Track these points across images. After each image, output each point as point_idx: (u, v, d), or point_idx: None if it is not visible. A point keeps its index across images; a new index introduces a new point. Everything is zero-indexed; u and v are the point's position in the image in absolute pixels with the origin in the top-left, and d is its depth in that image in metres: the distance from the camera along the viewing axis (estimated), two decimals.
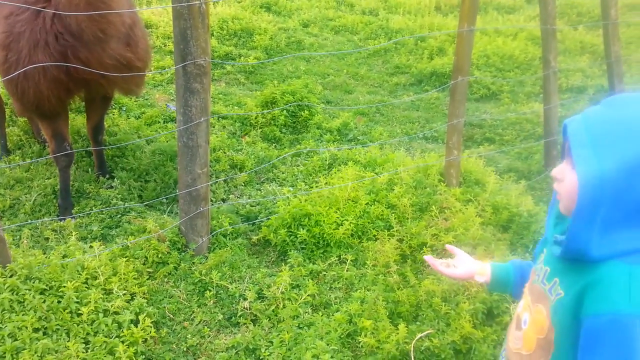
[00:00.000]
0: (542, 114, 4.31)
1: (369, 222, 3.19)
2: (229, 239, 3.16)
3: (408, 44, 6.77)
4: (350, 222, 3.12)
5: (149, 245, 2.88)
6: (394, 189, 3.42)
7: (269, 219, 3.29)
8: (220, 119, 4.84)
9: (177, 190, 3.04)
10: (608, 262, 1.06)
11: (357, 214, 3.22)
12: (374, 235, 3.13)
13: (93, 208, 3.40)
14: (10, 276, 2.34)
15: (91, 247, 2.78)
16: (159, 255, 2.88)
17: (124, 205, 3.39)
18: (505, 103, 5.35)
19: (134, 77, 3.19)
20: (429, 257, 1.62)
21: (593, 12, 8.07)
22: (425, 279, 2.71)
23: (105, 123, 3.83)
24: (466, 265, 1.55)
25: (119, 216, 3.37)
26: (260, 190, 3.85)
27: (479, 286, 2.54)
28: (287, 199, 3.38)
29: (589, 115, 1.10)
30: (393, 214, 3.23)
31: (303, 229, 3.09)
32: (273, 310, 2.57)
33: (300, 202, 3.26)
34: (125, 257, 2.77)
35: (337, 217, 3.14)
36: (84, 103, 3.55)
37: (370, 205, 3.28)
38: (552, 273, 1.18)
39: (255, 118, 4.74)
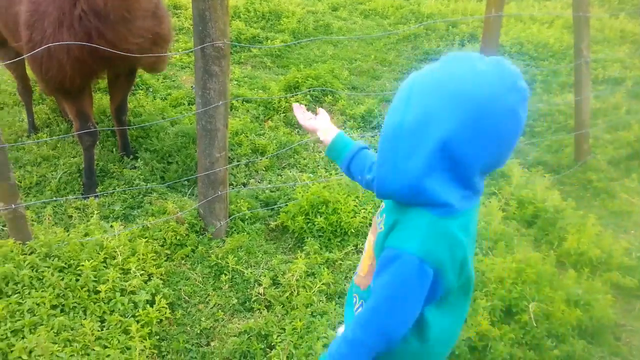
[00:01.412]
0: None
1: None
2: (247, 223, 3.16)
3: (439, 29, 6.59)
4: (369, 212, 3.08)
5: (168, 227, 2.90)
6: None
7: (287, 205, 3.28)
8: (244, 102, 4.83)
9: (197, 173, 3.05)
10: (417, 207, 1.13)
11: (376, 203, 3.17)
12: None
13: (116, 188, 3.44)
14: (30, 253, 2.39)
15: (111, 226, 2.82)
16: (177, 237, 2.90)
17: (147, 186, 3.42)
18: (538, 93, 5.17)
19: (157, 52, 3.18)
20: (296, 105, 1.72)
21: (636, 0, 7.70)
22: None
23: (129, 104, 3.87)
24: (319, 122, 1.63)
25: (141, 196, 3.40)
26: (280, 175, 3.83)
27: (497, 283, 2.47)
28: (306, 185, 3.35)
29: (419, 71, 1.13)
30: None
31: (321, 216, 3.06)
32: (287, 297, 2.57)
33: (319, 189, 3.22)
34: (145, 237, 2.80)
35: (355, 206, 3.10)
36: (107, 82, 3.56)
37: None
38: (384, 209, 1.27)
39: (279, 102, 4.71)
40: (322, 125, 1.62)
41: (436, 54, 6.12)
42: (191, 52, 5.49)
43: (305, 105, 4.62)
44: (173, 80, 5.23)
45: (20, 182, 3.42)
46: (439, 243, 1.11)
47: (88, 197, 3.34)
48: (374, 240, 1.27)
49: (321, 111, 1.69)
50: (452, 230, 1.11)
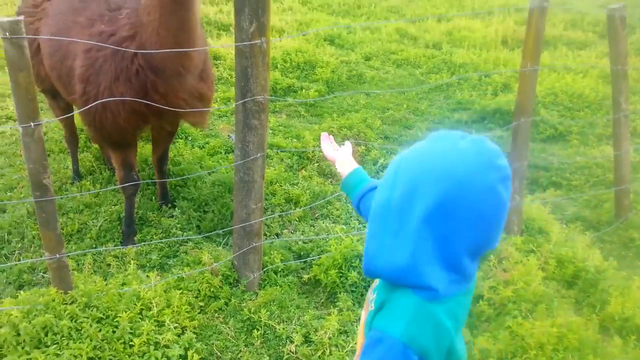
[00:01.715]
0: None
1: None
2: (280, 275, 3.17)
3: (471, 79, 6.65)
4: None
5: (203, 278, 2.94)
6: None
7: (320, 257, 3.28)
8: (278, 151, 4.92)
9: (232, 224, 3.10)
10: (405, 288, 1.10)
11: None
12: None
13: (154, 237, 3.52)
14: (71, 303, 2.44)
15: (148, 276, 2.87)
16: (211, 289, 2.92)
17: (182, 237, 3.48)
18: (574, 145, 5.10)
19: (200, 107, 3.30)
20: (324, 133, 1.78)
21: None
22: (480, 335, 2.59)
23: (170, 153, 3.99)
24: (340, 154, 1.66)
25: (177, 246, 3.47)
26: (313, 226, 3.85)
27: (538, 349, 2.38)
28: (339, 238, 3.35)
29: (407, 149, 1.15)
30: None
31: (354, 270, 3.05)
32: (319, 357, 2.53)
33: (353, 242, 3.22)
34: (179, 288, 2.83)
35: None
36: (151, 134, 3.70)
37: None
38: (377, 286, 1.23)
39: (312, 152, 4.78)
40: (341, 157, 1.65)
41: (469, 104, 6.16)
42: (230, 103, 5.68)
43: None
44: (211, 129, 5.39)
45: (63, 229, 3.54)
46: (424, 328, 1.08)
47: (126, 246, 3.43)
48: (365, 318, 1.23)
49: (347, 143, 1.72)
50: (439, 315, 1.08)
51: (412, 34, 8.66)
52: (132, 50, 2.79)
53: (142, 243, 3.43)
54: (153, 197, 3.96)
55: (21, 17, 1.90)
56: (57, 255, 2.29)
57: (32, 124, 2.02)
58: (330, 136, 1.77)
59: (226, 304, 2.89)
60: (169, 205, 3.87)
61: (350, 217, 3.93)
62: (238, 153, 2.75)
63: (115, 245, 3.48)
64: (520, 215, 3.48)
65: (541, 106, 5.62)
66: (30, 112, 2.01)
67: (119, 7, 2.95)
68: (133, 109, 2.96)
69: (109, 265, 3.26)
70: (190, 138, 5.03)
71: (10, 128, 5.10)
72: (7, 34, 1.87)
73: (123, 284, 2.76)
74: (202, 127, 4.40)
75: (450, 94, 6.50)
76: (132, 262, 3.16)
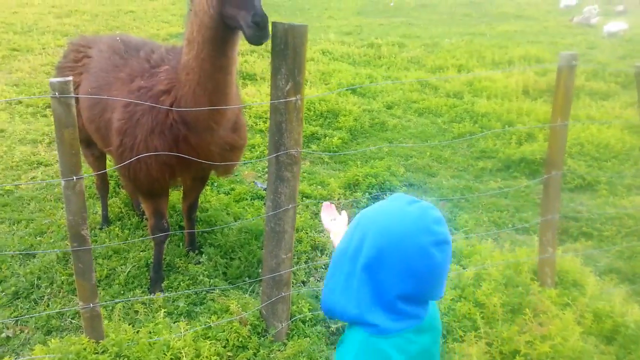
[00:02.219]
0: None
1: (454, 321, 3.02)
2: (308, 325, 3.12)
3: (494, 127, 6.68)
4: None
5: (231, 328, 2.90)
6: (481, 285, 3.25)
7: None
8: (303, 198, 4.95)
9: (261, 272, 3.09)
10: (356, 326, 1.28)
11: (442, 310, 3.07)
12: (460, 336, 2.95)
13: (181, 283, 3.51)
14: (102, 352, 2.43)
15: (176, 323, 2.85)
16: (240, 339, 2.88)
17: (210, 287, 3.47)
18: (603, 195, 5.03)
19: (234, 159, 3.36)
20: (326, 203, 1.94)
21: None
22: None
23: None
24: (336, 225, 1.85)
25: (204, 293, 3.45)
26: None
27: None
28: None
29: (371, 206, 1.32)
30: (481, 314, 3.04)
31: None
32: None
33: None
34: (208, 337, 2.80)
35: None
36: (182, 183, 3.76)
37: (456, 302, 3.13)
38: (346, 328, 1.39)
39: (338, 199, 4.80)
40: (337, 229, 1.83)
41: (493, 153, 6.16)
42: (256, 153, 5.77)
43: (364, 204, 4.69)
44: (236, 175, 5.46)
45: None
46: (370, 358, 1.23)
47: (154, 293, 3.43)
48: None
49: (343, 214, 1.90)
50: (383, 347, 1.22)
51: (433, 83, 8.80)
52: (166, 107, 2.87)
53: (170, 293, 3.42)
54: (180, 244, 3.98)
55: (69, 78, 1.99)
56: (91, 305, 2.29)
57: (74, 177, 2.08)
58: (332, 205, 1.94)
59: (255, 354, 2.84)
60: (196, 251, 3.88)
61: None
62: (270, 204, 2.77)
63: (142, 292, 3.48)
64: (554, 267, 3.40)
65: (568, 156, 5.59)
66: (73, 166, 2.08)
67: (159, 64, 3.07)
68: (164, 161, 3.03)
69: (136, 312, 3.25)
70: (215, 184, 5.10)
71: (41, 174, 5.24)
72: (57, 93, 1.95)
73: (152, 333, 2.74)
74: (229, 175, 4.47)
75: (474, 143, 6.52)
76: (160, 309, 3.15)
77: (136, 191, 3.31)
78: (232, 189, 5.03)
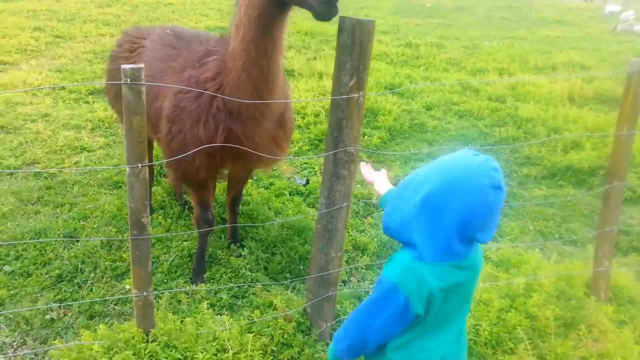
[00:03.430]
0: None
1: (504, 332, 2.91)
2: None
3: (540, 134, 6.49)
4: (484, 329, 2.88)
5: (276, 324, 2.86)
6: (532, 296, 3.13)
7: None
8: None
9: (302, 269, 3.03)
10: (405, 249, 1.56)
11: (491, 319, 2.97)
12: (511, 349, 2.84)
13: (223, 275, 3.49)
14: (152, 341, 2.41)
15: (219, 316, 2.82)
16: (285, 336, 2.83)
17: (251, 281, 3.44)
18: None
19: (277, 154, 3.31)
20: (363, 162, 2.27)
21: None
22: None
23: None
24: (377, 177, 2.18)
25: (245, 286, 3.43)
26: None
27: None
28: None
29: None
30: (532, 326, 2.93)
31: None
32: None
33: None
34: (252, 332, 2.77)
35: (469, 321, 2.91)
36: (227, 175, 3.74)
37: (506, 312, 3.02)
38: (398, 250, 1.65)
39: (378, 200, 4.72)
40: (379, 179, 2.15)
41: (538, 159, 5.98)
42: (292, 144, 5.72)
43: None
44: (274, 170, 5.43)
45: None
46: (410, 277, 1.50)
47: (197, 283, 3.41)
48: None
49: (382, 170, 2.21)
50: (423, 272, 1.49)
51: (474, 86, 8.62)
52: (210, 94, 2.85)
53: (213, 285, 3.39)
54: (222, 236, 3.96)
55: (142, 65, 1.96)
56: (145, 293, 2.27)
57: (139, 165, 2.05)
58: (368, 164, 2.26)
59: (299, 353, 2.79)
60: (238, 244, 3.86)
61: None
62: (323, 201, 2.71)
63: (185, 282, 3.47)
64: (608, 281, 3.27)
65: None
66: (139, 154, 2.05)
67: (209, 54, 3.06)
68: (209, 151, 3.00)
69: (179, 301, 3.23)
70: (255, 178, 5.08)
71: (84, 160, 5.30)
72: (129, 80, 1.93)
73: (198, 324, 2.71)
74: (270, 169, 4.43)
75: (518, 148, 6.34)
76: (203, 300, 3.13)
77: (182, 180, 3.29)
78: (272, 184, 5.00)
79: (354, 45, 2.39)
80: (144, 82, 1.97)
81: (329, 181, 2.66)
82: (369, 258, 3.90)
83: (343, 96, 2.48)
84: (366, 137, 6.36)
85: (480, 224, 1.46)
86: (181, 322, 2.69)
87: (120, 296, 3.35)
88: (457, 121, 7.29)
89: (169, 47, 3.45)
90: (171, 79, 3.23)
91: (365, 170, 2.22)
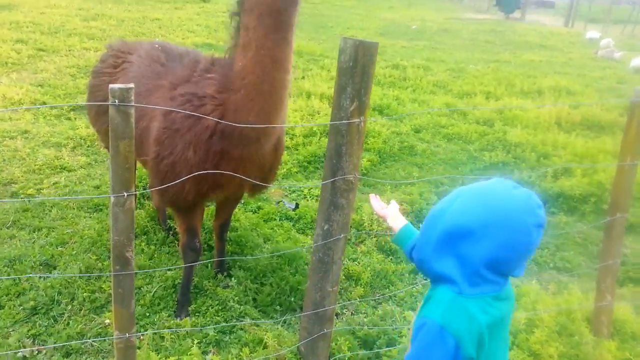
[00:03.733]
0: None
1: None
2: None
3: (529, 159, 6.46)
4: None
5: None
6: (534, 332, 3.01)
7: (388, 347, 3.01)
8: None
9: (302, 305, 2.88)
10: (442, 286, 1.44)
11: None
12: None
13: (210, 308, 3.30)
14: None
15: (207, 355, 2.64)
16: None
17: (240, 314, 3.26)
18: None
19: (268, 179, 3.17)
20: (372, 194, 2.12)
21: None
22: None
23: None
24: (389, 210, 2.01)
25: (234, 320, 3.24)
26: (376, 308, 3.59)
27: None
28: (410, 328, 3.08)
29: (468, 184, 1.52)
30: None
31: None
32: None
33: None
34: None
35: None
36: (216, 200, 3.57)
37: (510, 350, 2.88)
38: (428, 291, 1.54)
39: (370, 226, 4.59)
40: (392, 213, 2.00)
41: (528, 185, 5.91)
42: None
43: None
44: (262, 193, 5.27)
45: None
46: (457, 315, 1.37)
47: (181, 316, 3.22)
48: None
49: (392, 202, 2.05)
50: (468, 307, 1.38)
51: (462, 109, 8.61)
52: (212, 119, 2.69)
53: (199, 319, 3.20)
54: (209, 264, 3.77)
55: (131, 85, 1.81)
56: (127, 335, 2.09)
57: (125, 193, 1.89)
58: (377, 196, 2.10)
59: None
60: (225, 274, 3.68)
61: (416, 301, 3.65)
62: (319, 232, 2.57)
63: (168, 315, 3.27)
64: (610, 316, 3.17)
65: (608, 194, 5.34)
66: (125, 181, 1.89)
67: (209, 71, 2.90)
68: (202, 176, 2.84)
69: (162, 338, 3.03)
70: (242, 201, 4.90)
71: (64, 180, 5.07)
72: (116, 101, 1.78)
73: None
74: (259, 195, 4.27)
75: (507, 173, 6.29)
76: (188, 337, 2.95)
77: (169, 205, 3.11)
78: (259, 208, 4.84)
79: (355, 68, 2.29)
80: (134, 104, 1.81)
81: (327, 211, 2.53)
82: (362, 289, 3.74)
83: (343, 121, 2.36)
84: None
85: (518, 262, 1.41)
86: None
87: (100, 331, 3.14)
88: (446, 144, 7.24)
89: (157, 63, 3.29)
90: (160, 98, 3.07)
91: (376, 203, 2.09)
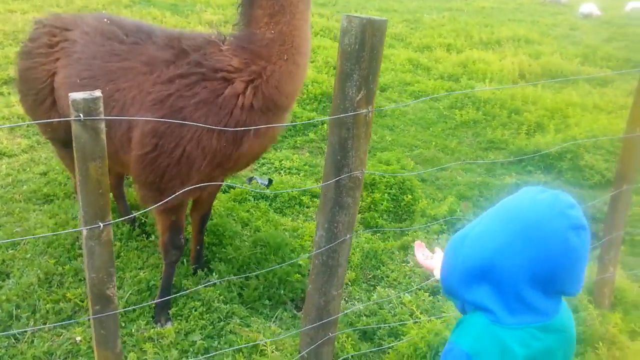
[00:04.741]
0: None
1: None
2: None
3: (500, 116, 6.34)
4: None
5: None
6: None
7: (390, 336, 2.84)
8: (313, 198, 4.46)
9: (303, 309, 2.62)
10: (476, 312, 1.30)
11: None
12: None
13: (193, 310, 2.99)
14: None
15: None
16: None
17: (227, 314, 2.98)
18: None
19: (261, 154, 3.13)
20: (417, 242, 1.90)
21: None
22: None
23: None
24: (435, 262, 1.78)
25: (221, 323, 2.96)
26: (370, 292, 3.40)
27: None
28: (418, 320, 2.90)
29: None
30: None
31: None
32: None
33: (436, 325, 2.77)
34: None
35: None
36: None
37: None
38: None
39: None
40: (437, 264, 1.76)
41: (502, 143, 5.82)
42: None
43: (384, 207, 4.25)
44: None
45: (83, 302, 2.99)
46: (489, 346, 1.23)
47: (162, 324, 2.90)
48: None
49: (437, 250, 1.84)
50: (503, 338, 1.22)
51: (424, 64, 8.36)
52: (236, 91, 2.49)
53: (182, 324, 2.88)
54: (185, 260, 3.42)
55: (99, 94, 1.40)
56: None
57: (100, 224, 1.51)
58: (422, 244, 1.89)
59: None
60: (204, 269, 3.35)
61: (410, 281, 3.48)
62: (322, 234, 2.27)
63: (146, 323, 2.93)
64: (612, 287, 3.11)
65: (584, 150, 5.32)
66: (100, 210, 1.51)
67: (213, 45, 2.55)
68: (219, 162, 2.58)
69: (144, 351, 2.72)
70: None
71: (5, 168, 4.49)
72: (82, 115, 1.37)
73: None
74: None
75: (479, 131, 6.16)
76: (172, 346, 2.65)
77: (156, 201, 2.66)
78: (230, 187, 4.46)
79: (363, 52, 1.94)
80: (103, 117, 1.41)
81: (330, 211, 2.23)
82: (354, 273, 3.53)
83: (349, 113, 2.03)
84: (324, 125, 5.92)
85: (565, 275, 1.23)
86: None
87: (70, 348, 2.78)
88: (415, 104, 7.00)
89: (114, 41, 2.78)
90: (133, 83, 2.61)
91: (421, 255, 1.85)
